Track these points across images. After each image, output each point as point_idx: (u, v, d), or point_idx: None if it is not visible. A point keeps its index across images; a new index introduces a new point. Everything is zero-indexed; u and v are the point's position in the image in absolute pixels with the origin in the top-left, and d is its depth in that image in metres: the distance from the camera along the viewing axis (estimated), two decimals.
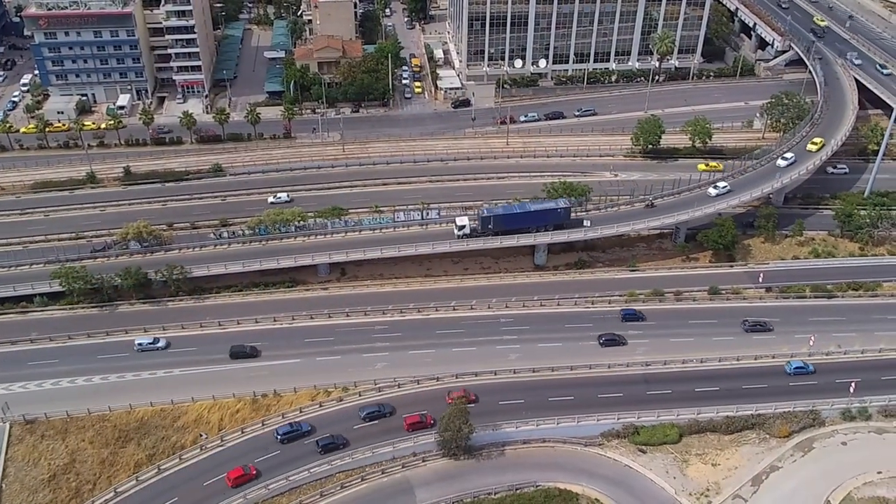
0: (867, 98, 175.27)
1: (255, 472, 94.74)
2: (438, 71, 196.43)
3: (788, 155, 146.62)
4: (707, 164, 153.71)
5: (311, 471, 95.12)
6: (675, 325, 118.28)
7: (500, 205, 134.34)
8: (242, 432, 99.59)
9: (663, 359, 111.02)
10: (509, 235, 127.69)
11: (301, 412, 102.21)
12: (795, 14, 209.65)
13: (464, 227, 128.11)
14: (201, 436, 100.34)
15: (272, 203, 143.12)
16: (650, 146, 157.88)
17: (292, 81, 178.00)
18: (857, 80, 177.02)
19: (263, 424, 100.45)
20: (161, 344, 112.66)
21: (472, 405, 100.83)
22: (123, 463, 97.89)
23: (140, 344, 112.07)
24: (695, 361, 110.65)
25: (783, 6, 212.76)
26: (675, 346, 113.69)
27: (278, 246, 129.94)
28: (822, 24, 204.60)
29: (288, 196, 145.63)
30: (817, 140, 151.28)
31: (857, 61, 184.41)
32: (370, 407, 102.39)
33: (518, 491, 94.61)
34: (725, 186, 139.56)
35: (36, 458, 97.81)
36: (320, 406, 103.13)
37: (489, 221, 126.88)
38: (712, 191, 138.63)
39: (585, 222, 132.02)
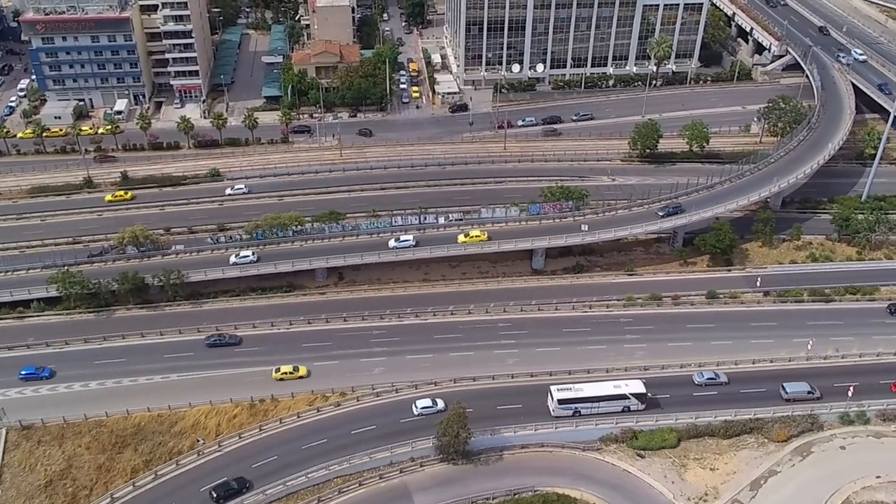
0: (864, 102, 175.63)
1: None
2: (436, 75, 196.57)
3: (404, 237, 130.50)
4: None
5: (309, 476, 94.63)
6: (672, 329, 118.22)
7: None
8: (240, 437, 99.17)
9: (661, 363, 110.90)
10: None
11: None
12: (792, 19, 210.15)
13: None
14: (198, 441, 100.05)
15: None
16: (647, 150, 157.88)
17: (290, 86, 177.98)
18: (854, 84, 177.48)
19: (261, 429, 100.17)
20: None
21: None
22: (120, 469, 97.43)
23: None
24: (693, 365, 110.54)
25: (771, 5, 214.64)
26: (672, 351, 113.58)
27: (276, 250, 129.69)
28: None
29: None
30: (475, 233, 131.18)
31: (862, 57, 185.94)
32: None
33: (516, 496, 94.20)
34: (248, 256, 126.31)
35: (32, 464, 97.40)
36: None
37: None
38: (233, 259, 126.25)
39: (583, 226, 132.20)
